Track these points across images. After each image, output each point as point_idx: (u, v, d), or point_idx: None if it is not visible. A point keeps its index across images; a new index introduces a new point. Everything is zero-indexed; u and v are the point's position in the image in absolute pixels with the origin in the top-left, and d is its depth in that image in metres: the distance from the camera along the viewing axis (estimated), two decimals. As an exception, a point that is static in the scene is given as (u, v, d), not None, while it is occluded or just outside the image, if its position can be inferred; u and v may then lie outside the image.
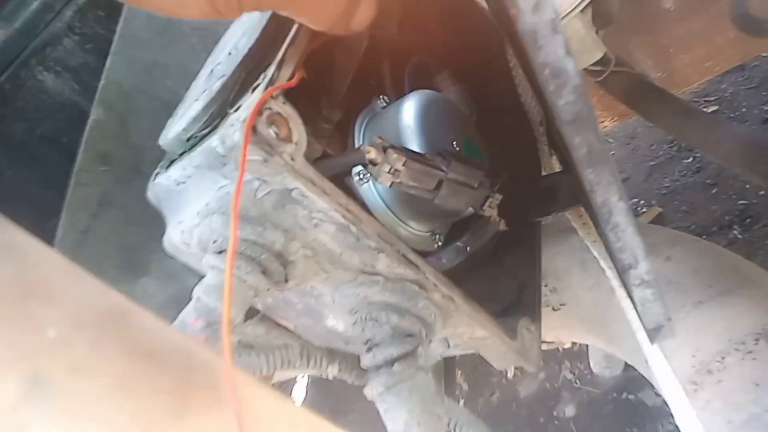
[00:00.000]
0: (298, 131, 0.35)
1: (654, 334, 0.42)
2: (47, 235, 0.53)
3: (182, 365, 0.18)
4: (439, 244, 0.53)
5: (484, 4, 0.54)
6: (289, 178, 0.34)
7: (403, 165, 0.40)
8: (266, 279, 0.36)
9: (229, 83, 0.37)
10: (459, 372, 1.76)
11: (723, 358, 0.47)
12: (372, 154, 0.39)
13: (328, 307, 0.43)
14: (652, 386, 0.85)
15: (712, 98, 1.85)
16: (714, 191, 1.62)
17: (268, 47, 0.39)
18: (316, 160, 0.39)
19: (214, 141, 0.35)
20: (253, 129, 0.33)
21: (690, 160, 1.76)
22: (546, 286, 0.63)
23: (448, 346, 0.47)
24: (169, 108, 0.46)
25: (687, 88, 1.17)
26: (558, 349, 1.54)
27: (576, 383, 1.53)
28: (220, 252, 0.37)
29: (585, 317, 0.62)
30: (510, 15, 0.27)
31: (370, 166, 0.41)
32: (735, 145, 0.74)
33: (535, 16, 0.25)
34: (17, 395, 0.15)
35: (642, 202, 1.77)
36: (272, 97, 0.34)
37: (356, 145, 0.50)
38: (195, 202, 0.40)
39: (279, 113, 0.34)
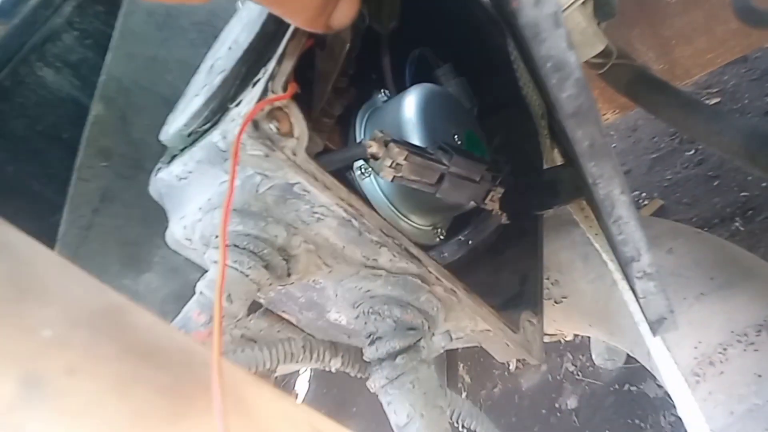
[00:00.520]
0: (300, 126, 0.35)
1: (656, 326, 0.42)
2: (49, 232, 0.53)
3: (181, 365, 0.18)
4: (441, 237, 0.53)
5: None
6: (290, 173, 0.34)
7: (405, 159, 0.40)
8: (269, 273, 0.36)
9: (230, 78, 0.37)
10: (461, 364, 1.76)
11: (725, 349, 0.47)
12: (373, 148, 0.39)
13: (330, 301, 0.44)
14: (654, 378, 0.86)
15: (714, 90, 1.84)
16: (716, 183, 1.62)
17: (268, 42, 0.39)
18: (317, 155, 0.39)
19: (215, 136, 0.35)
20: (255, 124, 0.33)
21: (692, 152, 1.75)
22: (548, 278, 0.63)
23: (451, 339, 0.47)
24: (169, 103, 0.45)
25: (689, 80, 1.16)
26: (560, 341, 1.54)
27: (578, 375, 1.53)
28: (223, 247, 0.37)
29: (587, 310, 0.62)
30: (511, 8, 0.27)
31: (371, 161, 0.41)
32: (737, 137, 0.74)
33: (536, 9, 0.25)
34: (12, 396, 0.14)
35: (644, 194, 1.76)
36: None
37: (357, 140, 0.50)
38: (197, 197, 0.40)
39: (280, 108, 0.34)
